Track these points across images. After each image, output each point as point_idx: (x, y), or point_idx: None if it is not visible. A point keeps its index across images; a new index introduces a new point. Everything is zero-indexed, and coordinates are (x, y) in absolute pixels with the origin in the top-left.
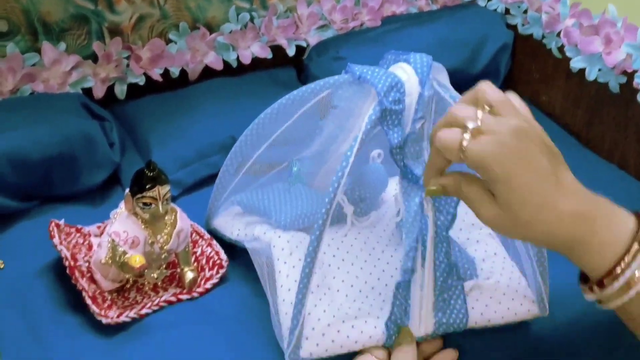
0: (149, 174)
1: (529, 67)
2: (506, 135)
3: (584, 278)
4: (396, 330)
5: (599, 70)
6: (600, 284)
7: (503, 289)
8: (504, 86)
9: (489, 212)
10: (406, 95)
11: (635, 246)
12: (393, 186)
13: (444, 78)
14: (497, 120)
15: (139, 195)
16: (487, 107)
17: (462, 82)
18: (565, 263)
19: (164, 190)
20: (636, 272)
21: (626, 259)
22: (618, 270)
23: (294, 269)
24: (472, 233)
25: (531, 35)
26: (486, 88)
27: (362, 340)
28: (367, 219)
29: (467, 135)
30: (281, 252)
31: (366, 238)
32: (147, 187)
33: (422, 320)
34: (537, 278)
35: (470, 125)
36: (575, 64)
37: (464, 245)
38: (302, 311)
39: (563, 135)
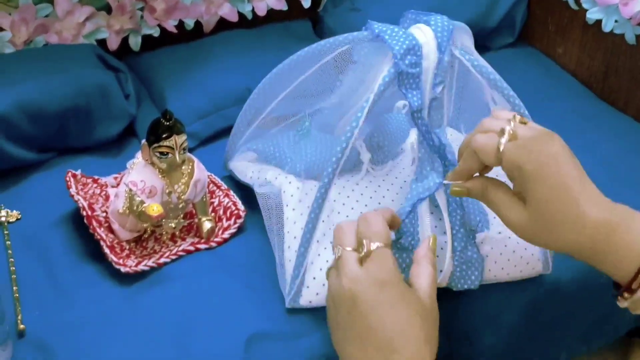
0: (165, 122)
1: (544, 19)
2: (539, 138)
3: (616, 286)
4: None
5: (616, 21)
6: (629, 290)
7: (513, 245)
8: (520, 39)
9: (515, 217)
10: (423, 59)
11: None
12: (413, 137)
13: (468, 40)
14: (528, 127)
15: (156, 145)
16: (517, 117)
17: (478, 35)
18: None
19: (181, 139)
20: None
21: None
22: None
23: (302, 217)
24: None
25: None
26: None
27: None
28: (384, 167)
29: (503, 139)
30: (290, 199)
31: (377, 187)
32: (164, 136)
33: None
34: None
35: (507, 128)
36: (592, 15)
37: None
38: (306, 259)
39: (579, 87)
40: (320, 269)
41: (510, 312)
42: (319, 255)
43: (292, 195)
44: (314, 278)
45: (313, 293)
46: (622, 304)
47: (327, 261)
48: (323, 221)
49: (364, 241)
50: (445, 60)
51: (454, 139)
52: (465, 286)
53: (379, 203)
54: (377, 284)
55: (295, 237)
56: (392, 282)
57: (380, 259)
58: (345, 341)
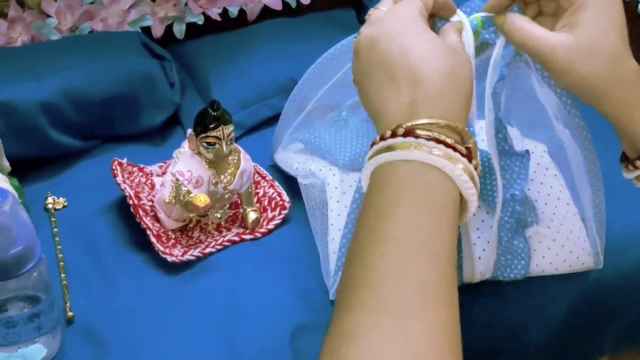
0: (213, 113)
1: None
2: None
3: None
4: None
5: None
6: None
7: (562, 240)
8: None
9: (557, 38)
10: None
11: None
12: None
13: None
14: None
15: (203, 135)
16: None
17: None
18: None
19: (228, 130)
20: None
21: None
22: None
23: (345, 209)
24: (537, 174)
25: None
26: None
27: None
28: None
29: None
30: (334, 191)
31: None
32: (211, 126)
33: (481, 266)
34: (593, 230)
35: None
36: None
37: (528, 185)
38: None
39: None
40: None
41: (556, 306)
42: None
43: (335, 188)
44: None
45: None
46: (628, 174)
47: None
48: None
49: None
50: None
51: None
52: (512, 275)
53: None
54: (398, 20)
55: (339, 230)
56: (415, 18)
57: (406, 1)
58: (368, 86)
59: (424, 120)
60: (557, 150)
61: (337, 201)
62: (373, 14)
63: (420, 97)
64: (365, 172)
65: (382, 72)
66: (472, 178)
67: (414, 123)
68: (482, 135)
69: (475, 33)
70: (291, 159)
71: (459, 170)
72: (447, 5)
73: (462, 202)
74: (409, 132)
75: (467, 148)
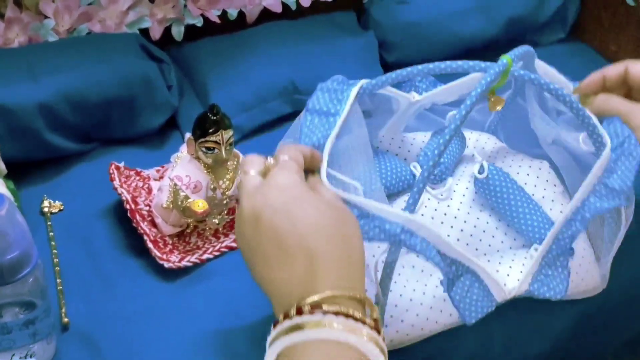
0: (212, 117)
1: (598, 14)
2: None
3: None
4: None
5: None
6: None
7: (577, 259)
8: (571, 35)
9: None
10: None
11: None
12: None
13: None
14: None
15: (202, 140)
16: None
17: (528, 29)
18: None
19: (227, 134)
20: None
21: None
22: None
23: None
24: (547, 190)
25: None
26: None
27: (442, 320)
28: (442, 186)
29: None
30: None
31: (443, 215)
32: (210, 131)
33: (517, 282)
34: (606, 253)
35: None
36: None
37: (540, 203)
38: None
39: None
40: (396, 305)
41: (556, 321)
42: (391, 290)
43: None
44: (391, 316)
45: (393, 331)
46: None
47: (400, 295)
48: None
49: (269, 157)
50: None
51: (483, 143)
52: (547, 295)
53: (448, 235)
54: (279, 189)
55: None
56: (297, 184)
57: (282, 167)
58: (258, 261)
59: (328, 293)
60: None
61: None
62: (248, 183)
63: (318, 269)
64: (270, 356)
65: (272, 246)
66: (382, 351)
67: (321, 296)
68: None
69: (505, 72)
70: None
71: (367, 344)
72: (315, 157)
73: None
74: (315, 308)
75: (375, 320)
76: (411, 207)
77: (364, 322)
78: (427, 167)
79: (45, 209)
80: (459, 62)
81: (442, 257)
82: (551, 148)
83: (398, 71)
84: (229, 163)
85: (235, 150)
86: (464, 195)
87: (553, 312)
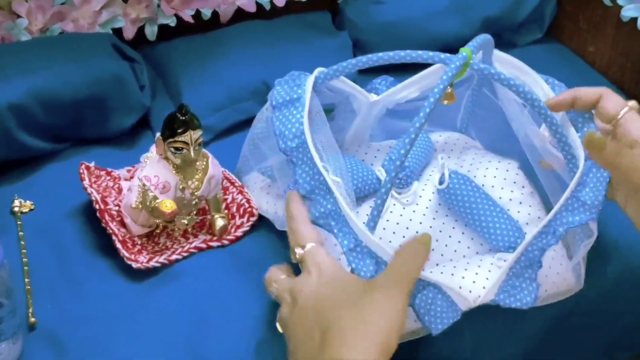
0: (181, 117)
1: (575, 15)
2: None
3: None
4: None
5: None
6: None
7: (549, 261)
8: (548, 36)
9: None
10: None
11: None
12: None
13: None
14: None
15: (171, 140)
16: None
17: (505, 30)
18: None
19: (196, 134)
20: None
21: None
22: None
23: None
24: (515, 192)
25: None
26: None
27: (408, 326)
28: (408, 190)
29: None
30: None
31: (409, 221)
32: (179, 131)
33: (483, 289)
34: (577, 250)
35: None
36: (627, 12)
37: (507, 206)
38: None
39: (610, 88)
40: None
41: (532, 323)
42: None
43: (325, 239)
44: None
45: None
46: None
47: None
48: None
49: (296, 249)
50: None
51: (452, 144)
52: (514, 305)
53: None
54: (311, 275)
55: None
56: (326, 267)
57: (311, 256)
58: (290, 345)
59: None
60: (526, 166)
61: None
62: (283, 283)
63: (331, 347)
64: None
65: (300, 327)
66: None
67: None
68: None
69: (464, 65)
70: (259, 197)
71: None
72: None
73: None
74: None
75: None
76: (376, 219)
77: None
78: (394, 167)
79: (16, 209)
80: (419, 52)
81: None
82: (525, 142)
83: (354, 59)
84: (197, 163)
85: (204, 150)
86: (429, 200)
87: (525, 315)
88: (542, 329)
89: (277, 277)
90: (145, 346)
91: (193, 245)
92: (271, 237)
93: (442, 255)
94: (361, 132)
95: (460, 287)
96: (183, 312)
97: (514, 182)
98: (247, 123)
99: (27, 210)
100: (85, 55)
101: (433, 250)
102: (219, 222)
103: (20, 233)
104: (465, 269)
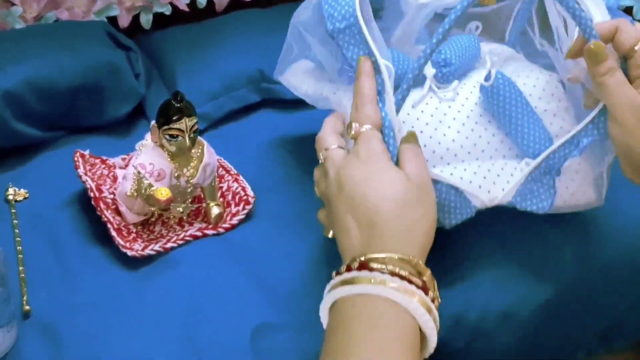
0: (176, 104)
1: None
2: None
3: None
4: None
5: None
6: None
7: (572, 173)
8: None
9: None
10: None
11: None
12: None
13: None
14: None
15: (166, 127)
16: None
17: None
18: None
19: (191, 122)
20: None
21: None
22: None
23: None
24: (551, 104)
25: None
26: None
27: None
28: (448, 87)
29: None
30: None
31: (443, 115)
32: (174, 118)
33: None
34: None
35: None
36: (623, 1)
37: (542, 117)
38: None
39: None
40: None
41: (527, 309)
42: None
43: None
44: None
45: None
46: None
47: None
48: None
49: (353, 124)
50: None
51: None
52: (530, 208)
53: (444, 135)
54: (361, 161)
55: None
56: (377, 157)
57: (365, 140)
58: (337, 226)
59: (378, 255)
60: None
61: None
62: (333, 155)
63: (375, 234)
64: (323, 307)
65: (347, 212)
66: (429, 311)
67: (368, 257)
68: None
69: None
70: (300, 81)
71: (415, 303)
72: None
73: (423, 335)
74: (363, 266)
75: (423, 281)
76: (405, 92)
77: (410, 282)
78: (425, 53)
79: (10, 197)
80: None
81: None
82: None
83: None
84: (193, 151)
85: (199, 138)
86: (467, 99)
87: (521, 299)
88: (536, 315)
89: (329, 144)
90: (140, 334)
91: (188, 233)
92: (267, 226)
93: (469, 152)
94: (407, 34)
95: (480, 187)
96: (178, 300)
97: (552, 95)
98: (242, 111)
99: (21, 198)
100: (80, 43)
101: (462, 147)
102: (215, 210)
103: (15, 221)
104: (489, 170)
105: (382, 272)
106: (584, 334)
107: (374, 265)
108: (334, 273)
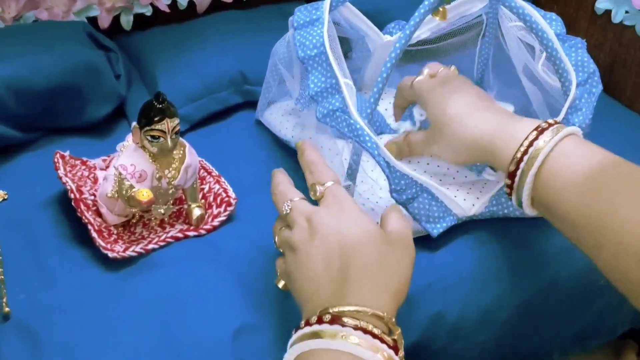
0: (157, 105)
1: (549, 7)
2: (450, 85)
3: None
4: None
5: (626, 12)
6: (510, 175)
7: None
8: None
9: (432, 148)
10: None
11: (533, 133)
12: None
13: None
14: (451, 71)
15: (147, 128)
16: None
17: None
18: None
19: (173, 123)
20: (536, 151)
21: (524, 143)
22: (518, 154)
23: (340, 165)
24: None
25: None
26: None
27: None
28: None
29: (420, 77)
30: (327, 152)
31: None
32: (156, 119)
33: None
34: None
35: (425, 71)
36: (601, 4)
37: None
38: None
39: None
40: (363, 205)
41: (504, 309)
42: (359, 194)
43: (329, 149)
44: None
45: None
46: (512, 199)
47: (367, 198)
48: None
49: (317, 187)
50: None
51: None
52: (504, 212)
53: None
54: (334, 211)
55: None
56: (350, 208)
57: (334, 193)
58: (300, 274)
59: (351, 308)
60: (523, 108)
61: (332, 161)
62: (300, 206)
63: (348, 285)
64: (288, 358)
65: (318, 261)
66: None
67: (340, 309)
68: None
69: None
70: (279, 122)
71: None
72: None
73: None
74: (336, 319)
75: (394, 340)
76: (373, 105)
77: (382, 340)
78: (386, 67)
79: None
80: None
81: (391, 169)
82: (524, 79)
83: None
84: (174, 152)
85: (181, 139)
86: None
87: (499, 299)
88: (514, 315)
89: (292, 196)
90: (120, 336)
91: (170, 234)
92: (249, 227)
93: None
94: (377, 74)
95: (455, 197)
96: (159, 302)
97: None
98: (223, 113)
99: (0, 200)
100: (59, 43)
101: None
102: (196, 212)
103: None
104: (457, 189)
105: (355, 328)
106: (561, 334)
107: (346, 319)
108: (302, 322)
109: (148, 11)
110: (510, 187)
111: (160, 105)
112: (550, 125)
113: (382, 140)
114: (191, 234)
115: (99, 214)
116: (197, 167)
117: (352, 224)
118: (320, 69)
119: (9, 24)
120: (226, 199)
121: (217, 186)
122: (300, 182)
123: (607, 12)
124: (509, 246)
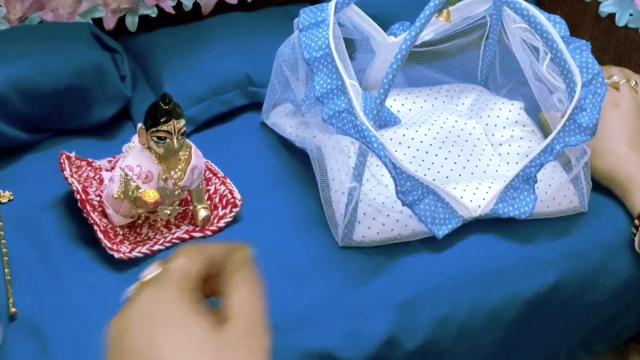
0: (164, 106)
1: (554, 11)
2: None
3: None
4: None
5: (630, 15)
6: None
7: (548, 178)
8: None
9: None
10: None
11: None
12: None
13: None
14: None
15: (153, 129)
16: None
17: None
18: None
19: (179, 124)
20: None
21: None
22: None
23: (343, 165)
24: (516, 130)
25: None
26: None
27: (411, 225)
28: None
29: None
30: (332, 151)
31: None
32: (162, 120)
33: (483, 201)
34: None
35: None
36: (605, 8)
37: (508, 142)
38: (354, 199)
39: None
40: (369, 205)
41: (511, 311)
42: (365, 194)
43: (333, 149)
44: (364, 214)
45: (365, 228)
46: (635, 238)
47: (374, 198)
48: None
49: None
50: None
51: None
52: (512, 214)
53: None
54: (144, 310)
55: (341, 182)
56: (170, 304)
57: (158, 283)
58: None
59: None
60: (535, 106)
61: (336, 160)
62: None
63: None
64: None
65: None
66: None
67: None
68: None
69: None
70: (283, 122)
71: None
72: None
73: None
74: None
75: None
76: (379, 107)
77: None
78: (393, 68)
79: None
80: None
81: (397, 170)
82: (531, 80)
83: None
84: (180, 153)
85: (187, 140)
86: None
87: (505, 300)
88: (520, 317)
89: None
90: None
91: (175, 235)
92: (254, 228)
93: (433, 180)
94: (380, 75)
95: (461, 197)
96: None
97: (516, 122)
98: (228, 115)
99: (6, 200)
100: (65, 45)
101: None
102: (202, 213)
103: (0, 223)
104: (464, 190)
105: None
106: (566, 336)
107: None
108: None
109: (153, 12)
110: (637, 227)
111: (167, 107)
112: None
113: (386, 133)
114: (197, 235)
115: (104, 214)
116: (203, 168)
117: (171, 330)
118: (326, 71)
119: (14, 25)
120: (232, 200)
121: (222, 187)
122: (301, 183)
123: (611, 15)
124: (515, 247)
